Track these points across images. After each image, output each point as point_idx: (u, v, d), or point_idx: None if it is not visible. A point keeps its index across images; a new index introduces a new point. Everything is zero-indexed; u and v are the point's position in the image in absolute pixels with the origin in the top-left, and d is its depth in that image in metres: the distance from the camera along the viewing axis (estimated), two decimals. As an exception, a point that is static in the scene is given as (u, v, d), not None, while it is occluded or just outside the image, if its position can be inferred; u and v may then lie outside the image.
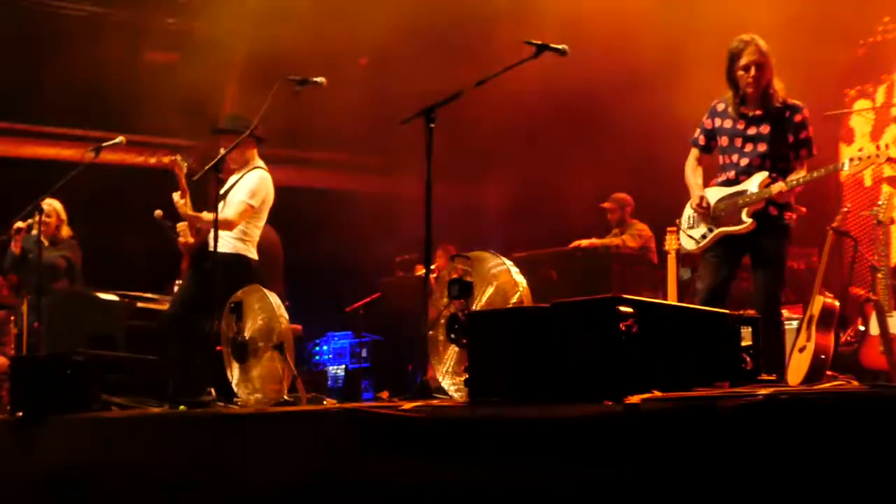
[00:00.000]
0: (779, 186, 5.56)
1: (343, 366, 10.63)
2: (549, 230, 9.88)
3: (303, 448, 4.21)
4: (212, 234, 6.60)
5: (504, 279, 4.46)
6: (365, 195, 12.01)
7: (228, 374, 5.69)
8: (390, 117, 5.46)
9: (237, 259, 6.72)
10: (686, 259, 7.76)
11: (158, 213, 6.98)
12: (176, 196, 6.86)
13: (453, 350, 4.58)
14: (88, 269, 8.91)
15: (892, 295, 6.50)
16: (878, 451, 2.57)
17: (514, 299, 4.39)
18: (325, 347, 10.89)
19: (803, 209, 5.88)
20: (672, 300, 7.22)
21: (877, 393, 2.81)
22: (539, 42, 5.07)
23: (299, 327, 8.03)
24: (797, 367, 6.46)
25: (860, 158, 5.57)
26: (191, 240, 6.99)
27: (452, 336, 4.58)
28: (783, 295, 5.96)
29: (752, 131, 5.72)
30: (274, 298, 5.52)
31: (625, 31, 8.71)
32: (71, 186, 7.30)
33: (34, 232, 7.77)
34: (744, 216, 5.66)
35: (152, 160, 7.00)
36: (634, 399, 3.12)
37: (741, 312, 4.05)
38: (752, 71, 5.62)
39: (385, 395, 8.05)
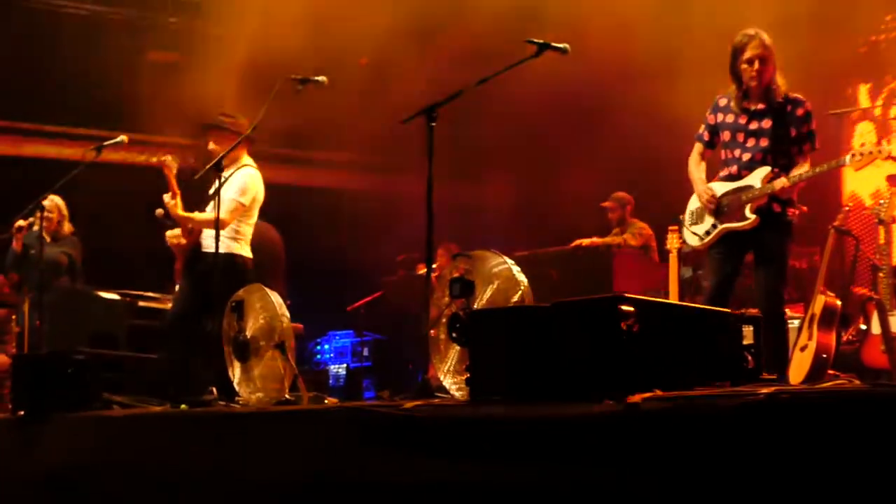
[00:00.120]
0: (781, 182, 5.55)
1: (344, 365, 10.63)
2: (551, 229, 9.88)
3: (304, 447, 4.21)
4: (210, 234, 6.62)
5: (505, 278, 4.46)
6: (366, 194, 12.01)
7: (230, 373, 5.69)
8: (392, 116, 5.46)
9: (232, 258, 6.72)
10: (688, 258, 7.76)
11: (159, 212, 6.98)
12: (167, 197, 6.88)
13: (455, 349, 4.58)
14: (90, 267, 8.91)
15: (894, 294, 6.49)
16: (879, 450, 2.57)
17: (516, 298, 4.39)
18: (326, 346, 10.90)
19: (804, 208, 5.88)
20: (673, 299, 7.21)
21: (878, 392, 2.81)
22: (540, 41, 5.06)
23: (301, 326, 8.03)
24: (799, 366, 6.45)
25: (861, 154, 5.56)
26: (183, 241, 7.00)
27: (454, 335, 4.58)
28: (785, 293, 5.96)
29: (753, 126, 5.72)
30: (275, 297, 5.52)
31: (625, 30, 8.71)
32: (73, 185, 7.30)
33: (35, 228, 7.78)
34: (747, 212, 5.65)
35: (153, 159, 7.01)
36: (635, 398, 3.12)
37: (743, 311, 4.05)
38: (756, 65, 5.62)
39: (386, 394, 8.06)
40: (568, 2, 8.48)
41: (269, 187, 7.13)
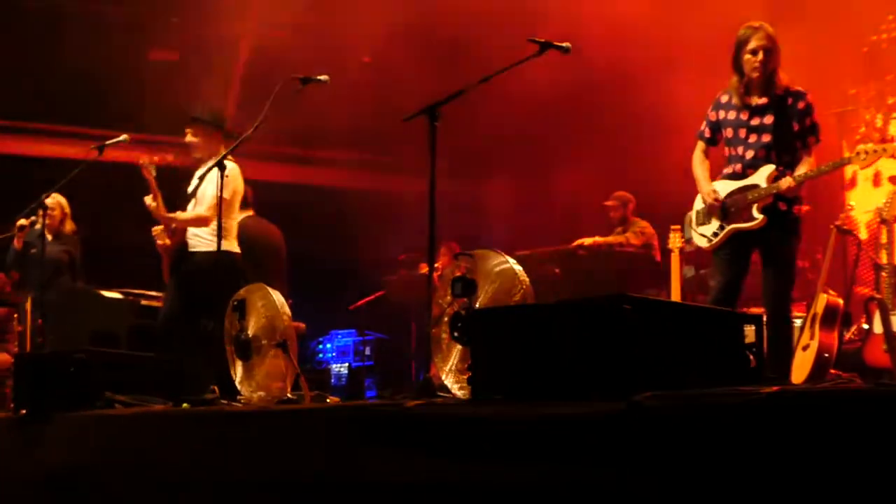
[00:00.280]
0: (787, 182, 5.54)
1: (346, 364, 10.63)
2: (553, 228, 9.88)
3: (306, 447, 4.21)
4: (195, 233, 6.64)
5: (507, 277, 4.46)
6: (368, 193, 12.02)
7: (232, 372, 5.69)
8: (394, 115, 5.46)
9: (222, 255, 6.73)
10: (689, 257, 7.76)
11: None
12: (148, 199, 6.92)
13: (456, 348, 4.58)
14: (92, 267, 8.92)
15: (896, 293, 6.49)
16: (881, 449, 2.57)
17: (518, 298, 4.39)
18: (328, 345, 10.90)
19: (807, 206, 5.87)
20: (676, 298, 7.22)
21: (880, 391, 2.81)
22: (542, 40, 5.06)
23: (303, 325, 8.04)
24: (801, 366, 6.44)
25: (867, 152, 5.56)
26: (167, 241, 7.03)
27: (456, 334, 4.57)
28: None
29: (755, 122, 5.71)
30: (277, 296, 5.52)
31: (625, 29, 8.71)
32: (74, 184, 7.31)
33: (38, 227, 7.79)
34: (754, 212, 5.65)
35: (156, 158, 7.03)
36: (638, 398, 3.12)
37: (745, 310, 4.05)
38: (760, 55, 5.61)
39: (388, 393, 8.05)
40: (568, 2, 8.47)
41: (271, 186, 7.15)
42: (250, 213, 8.05)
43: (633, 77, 9.00)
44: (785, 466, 2.71)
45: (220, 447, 4.68)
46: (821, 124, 5.75)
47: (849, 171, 9.48)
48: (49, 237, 8.04)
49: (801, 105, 5.67)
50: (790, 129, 5.67)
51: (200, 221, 6.97)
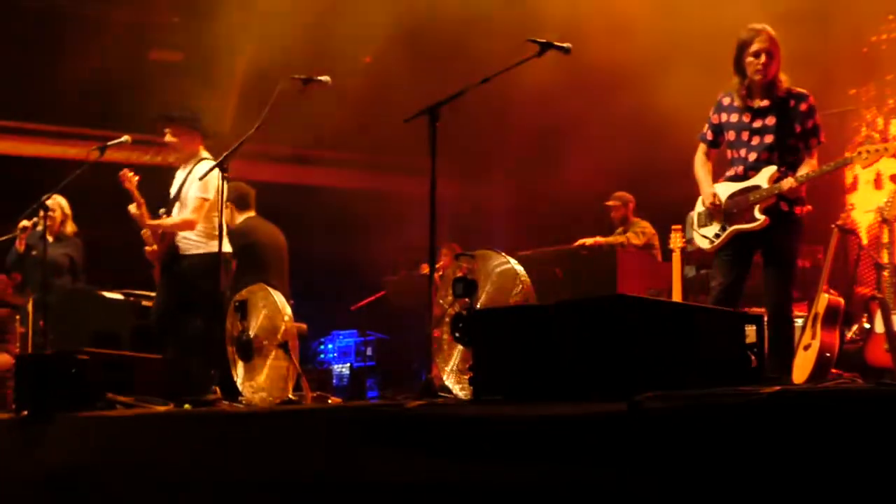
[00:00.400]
0: (789, 182, 5.54)
1: (348, 364, 10.64)
2: (554, 229, 9.88)
3: (306, 447, 4.21)
4: (184, 236, 6.66)
5: (508, 278, 4.46)
6: (369, 194, 12.02)
7: (233, 372, 5.70)
8: (395, 115, 5.46)
9: (214, 258, 6.75)
10: (691, 257, 7.75)
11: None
12: (132, 208, 6.96)
13: (458, 349, 4.58)
14: (94, 267, 8.92)
15: (898, 293, 6.49)
16: (883, 449, 2.57)
17: (519, 298, 4.39)
18: (330, 346, 10.91)
19: (809, 206, 5.87)
20: (677, 298, 7.21)
21: (882, 391, 2.81)
22: (543, 40, 5.06)
23: (304, 326, 8.04)
24: (802, 366, 6.44)
25: (868, 152, 5.55)
26: (156, 247, 7.07)
27: (457, 335, 4.58)
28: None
29: (757, 124, 5.70)
30: (278, 297, 5.52)
31: (624, 28, 8.70)
32: (76, 185, 7.31)
33: (39, 228, 7.79)
34: (756, 213, 5.64)
35: (158, 158, 7.08)
36: (638, 398, 3.12)
37: (746, 310, 4.05)
38: (763, 58, 5.61)
39: (389, 393, 8.05)
40: (568, 1, 8.47)
41: (273, 187, 7.15)
42: (252, 213, 8.06)
43: (633, 77, 8.99)
44: (786, 467, 2.71)
45: (221, 448, 4.68)
46: (822, 124, 5.75)
47: (849, 174, 9.50)
48: (50, 239, 8.04)
49: (803, 107, 5.67)
50: (792, 131, 5.66)
51: (186, 225, 7.00)
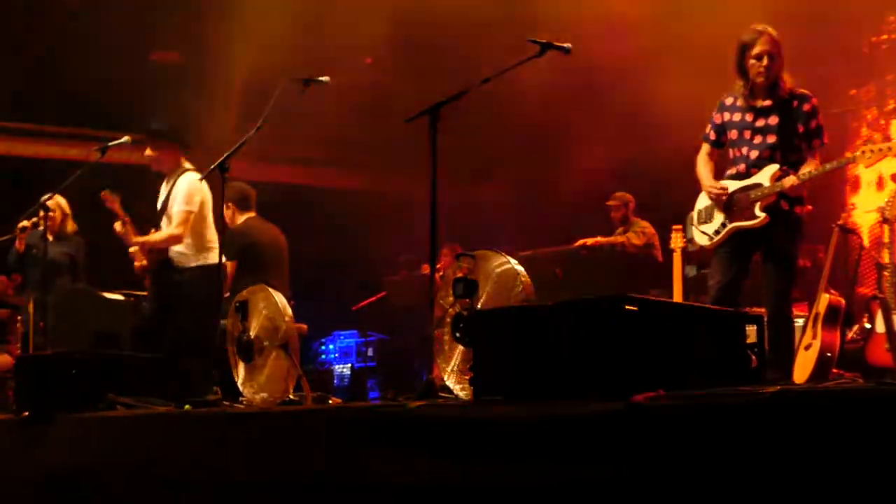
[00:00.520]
0: (791, 180, 5.54)
1: (349, 365, 10.63)
2: (554, 229, 9.88)
3: (307, 448, 4.21)
4: (177, 247, 6.67)
5: (509, 278, 4.46)
6: (370, 194, 12.02)
7: (234, 373, 5.69)
8: (396, 115, 5.46)
9: (210, 269, 6.79)
10: (692, 256, 7.76)
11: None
12: (117, 226, 6.97)
13: (459, 349, 4.58)
14: (94, 268, 8.91)
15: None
16: (884, 448, 2.57)
17: (519, 298, 4.39)
18: (330, 346, 10.90)
19: (809, 206, 5.87)
20: (677, 298, 7.21)
21: (883, 391, 2.81)
22: (543, 41, 5.06)
23: (305, 326, 8.05)
24: (803, 365, 6.44)
25: (871, 151, 5.55)
26: (145, 262, 7.08)
27: (458, 335, 4.58)
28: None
29: (760, 123, 5.71)
30: (279, 297, 5.52)
31: (624, 28, 8.71)
32: (77, 185, 7.31)
33: (40, 228, 7.80)
34: (757, 210, 5.64)
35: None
36: (639, 398, 3.12)
37: (746, 310, 4.05)
38: (765, 60, 5.62)
39: (391, 394, 8.06)
40: (568, 2, 8.47)
41: (274, 187, 7.15)
42: (253, 214, 8.06)
43: (633, 77, 8.99)
44: (786, 467, 2.71)
45: (222, 448, 4.68)
46: (825, 125, 5.75)
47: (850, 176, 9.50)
48: (50, 238, 8.04)
49: (806, 107, 5.67)
50: (795, 131, 5.67)
51: (173, 240, 7.02)
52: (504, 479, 3.34)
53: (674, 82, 8.18)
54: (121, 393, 5.93)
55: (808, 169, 5.59)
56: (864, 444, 2.60)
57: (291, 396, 5.45)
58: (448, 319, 4.63)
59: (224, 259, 6.44)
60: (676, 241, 7.23)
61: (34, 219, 8.16)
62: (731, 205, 5.75)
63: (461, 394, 4.48)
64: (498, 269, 4.51)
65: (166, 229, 7.04)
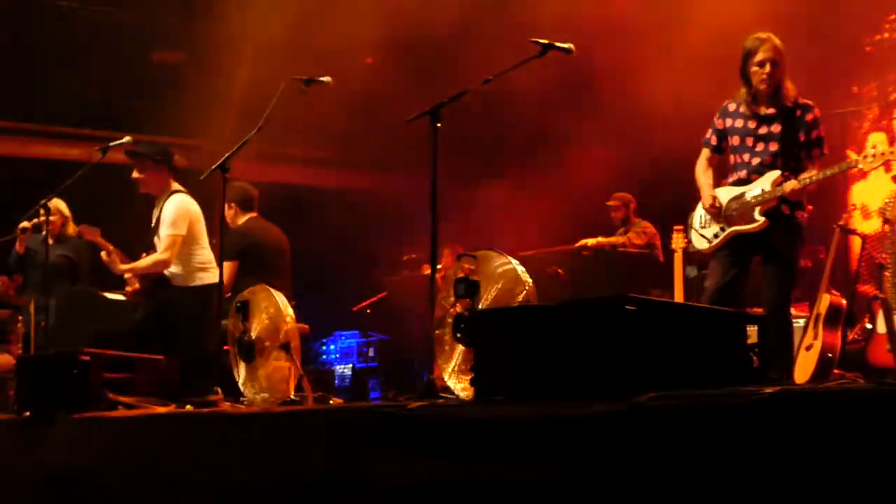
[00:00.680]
0: (792, 184, 5.55)
1: (350, 365, 10.63)
2: (555, 229, 9.87)
3: (307, 448, 4.21)
4: (172, 272, 6.69)
5: (510, 278, 4.46)
6: (371, 194, 12.02)
7: (235, 373, 5.70)
8: (397, 116, 5.46)
9: (207, 290, 6.80)
10: (693, 257, 7.76)
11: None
12: (103, 255, 7.00)
13: (460, 349, 4.58)
14: (94, 268, 8.91)
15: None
16: (885, 449, 2.56)
17: (521, 298, 4.39)
18: (332, 346, 10.89)
19: (810, 207, 5.87)
20: (679, 299, 7.22)
21: (884, 391, 2.80)
22: (545, 41, 5.06)
23: (306, 327, 8.04)
24: (804, 366, 6.44)
25: (874, 156, 5.56)
26: (137, 286, 7.11)
27: (459, 335, 4.58)
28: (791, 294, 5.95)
29: (763, 130, 5.72)
30: (280, 298, 5.52)
31: (626, 29, 8.70)
32: (78, 186, 7.31)
33: (43, 232, 7.79)
34: (756, 214, 5.65)
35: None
36: (640, 398, 3.12)
37: (748, 311, 4.05)
38: (768, 67, 5.63)
39: (391, 394, 8.06)
40: (569, 2, 8.47)
41: (275, 187, 7.14)
42: (254, 214, 8.05)
43: (634, 77, 8.99)
44: (787, 467, 2.71)
45: (222, 448, 4.68)
46: (826, 136, 5.75)
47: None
48: (50, 241, 8.04)
49: (808, 117, 5.69)
50: (797, 140, 5.68)
51: (160, 265, 7.03)
52: (504, 479, 3.34)
53: (674, 82, 8.18)
54: (121, 393, 5.94)
55: (809, 174, 5.60)
56: (865, 445, 2.59)
57: (292, 397, 5.46)
58: (449, 320, 4.64)
59: (224, 260, 6.44)
60: (677, 241, 7.23)
61: (34, 220, 8.16)
62: (729, 211, 5.75)
63: (462, 394, 4.48)
64: (499, 270, 4.52)
65: (153, 255, 7.07)
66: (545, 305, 3.81)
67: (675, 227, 7.21)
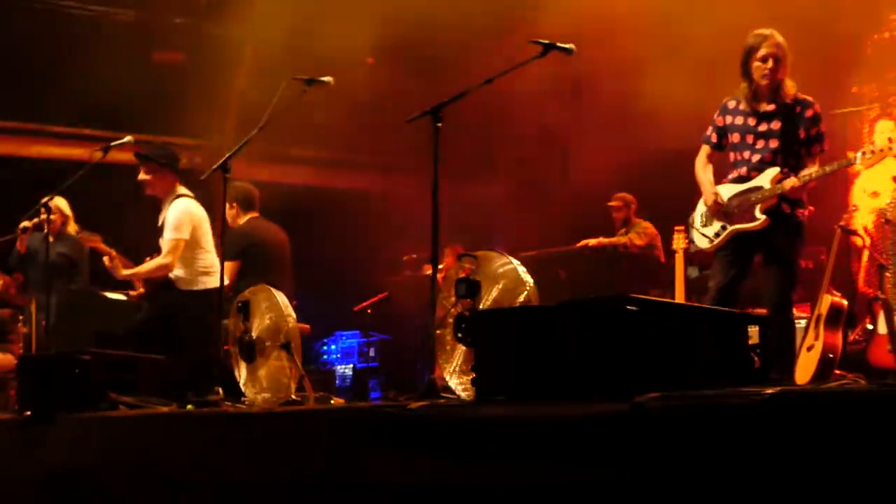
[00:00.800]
0: (791, 182, 5.55)
1: (351, 365, 10.62)
2: (556, 229, 9.88)
3: (308, 448, 4.21)
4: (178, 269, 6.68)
5: (511, 278, 4.46)
6: (372, 194, 12.02)
7: (236, 373, 5.69)
8: (398, 115, 5.45)
9: (207, 295, 6.79)
10: (694, 257, 7.76)
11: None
12: (106, 260, 6.99)
13: (460, 349, 4.58)
14: (95, 268, 8.91)
15: (901, 293, 6.48)
16: (886, 450, 2.56)
17: (522, 299, 4.39)
18: (333, 346, 10.89)
19: (811, 207, 5.87)
20: (680, 299, 7.21)
21: (885, 392, 2.80)
22: (546, 41, 5.05)
23: (307, 326, 8.04)
24: (805, 366, 6.44)
25: (872, 152, 5.55)
26: (141, 290, 7.12)
27: (459, 335, 4.57)
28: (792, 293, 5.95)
29: (763, 128, 5.72)
30: (281, 297, 5.52)
31: (627, 29, 8.70)
32: (79, 186, 7.32)
33: (44, 231, 7.80)
34: (757, 213, 5.65)
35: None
36: (641, 399, 3.12)
37: (749, 311, 4.05)
38: (770, 63, 5.63)
39: (392, 394, 8.06)
40: (569, 2, 8.47)
41: (276, 187, 7.14)
42: (255, 214, 8.06)
43: (635, 78, 8.99)
44: (788, 467, 2.71)
45: (223, 448, 4.68)
46: (826, 132, 5.75)
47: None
48: (51, 241, 8.04)
49: (809, 113, 5.68)
50: (797, 136, 5.68)
51: (162, 269, 7.04)
52: (505, 479, 3.34)
53: (675, 83, 8.17)
54: (122, 392, 5.94)
55: (808, 171, 5.59)
56: (865, 446, 2.59)
57: (293, 396, 5.45)
58: (450, 320, 4.63)
59: (225, 259, 6.44)
60: (678, 241, 7.24)
61: (35, 219, 8.16)
62: (730, 209, 5.75)
63: (463, 394, 4.48)
64: (500, 270, 4.51)
65: (155, 259, 7.07)
66: (546, 306, 3.81)
67: (676, 228, 7.21)
